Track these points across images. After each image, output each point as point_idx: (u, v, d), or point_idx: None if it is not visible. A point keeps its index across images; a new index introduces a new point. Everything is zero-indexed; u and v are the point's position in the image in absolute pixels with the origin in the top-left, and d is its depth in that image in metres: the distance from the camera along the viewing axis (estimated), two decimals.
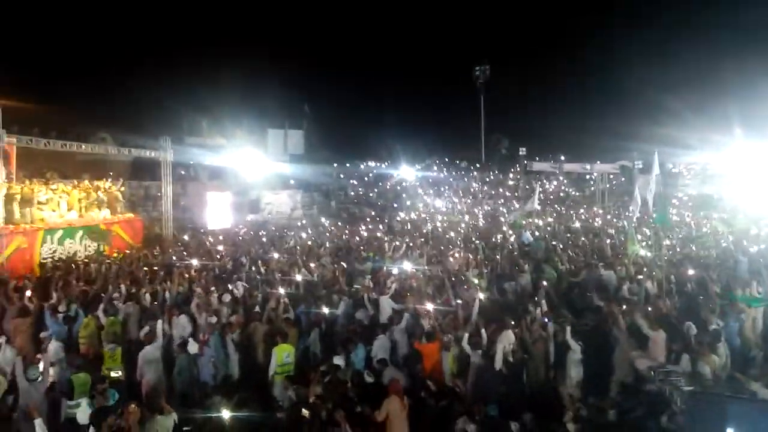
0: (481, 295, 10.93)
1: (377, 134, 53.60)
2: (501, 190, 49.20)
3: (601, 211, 35.13)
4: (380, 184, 52.83)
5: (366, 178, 53.52)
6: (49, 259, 18.58)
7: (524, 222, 24.05)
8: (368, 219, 34.01)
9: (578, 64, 55.97)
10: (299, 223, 33.60)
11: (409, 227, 27.37)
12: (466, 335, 8.93)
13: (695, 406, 5.83)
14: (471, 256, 15.54)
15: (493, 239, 20.47)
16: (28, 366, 7.90)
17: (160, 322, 9.68)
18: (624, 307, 10.09)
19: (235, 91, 43.99)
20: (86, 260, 18.42)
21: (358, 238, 22.80)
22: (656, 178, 14.23)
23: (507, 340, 8.90)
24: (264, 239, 24.05)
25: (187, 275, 13.86)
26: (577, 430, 6.68)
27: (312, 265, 15.27)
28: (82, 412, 7.11)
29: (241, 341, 9.97)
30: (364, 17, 68.97)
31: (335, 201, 48.20)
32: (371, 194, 50.89)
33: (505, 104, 58.39)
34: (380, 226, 28.46)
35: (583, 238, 19.75)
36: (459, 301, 10.76)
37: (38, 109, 27.24)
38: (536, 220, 25.82)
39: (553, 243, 18.62)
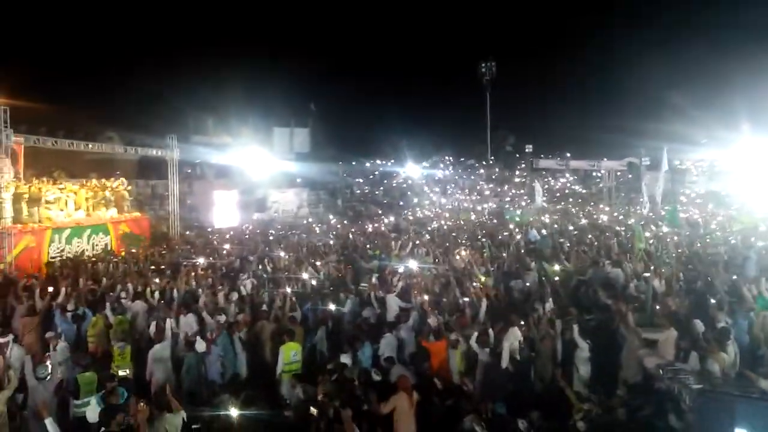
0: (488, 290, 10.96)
1: (383, 132, 53.59)
2: (507, 187, 49.06)
3: (608, 208, 34.99)
4: (386, 182, 52.81)
5: (372, 176, 53.51)
6: (57, 258, 18.69)
7: (518, 217, 24.05)
8: (374, 217, 34.01)
9: (584, 60, 55.73)
10: (305, 222, 33.65)
11: (415, 225, 27.34)
12: (474, 333, 8.93)
13: (704, 404, 5.80)
14: (477, 254, 15.53)
15: (500, 237, 20.43)
16: (37, 365, 7.96)
17: (169, 320, 9.74)
18: (631, 304, 10.05)
19: (240, 90, 44.15)
20: (94, 259, 18.52)
21: (364, 237, 22.81)
22: (665, 174, 14.12)
23: (513, 337, 8.89)
24: (271, 237, 24.09)
25: (194, 274, 13.91)
26: (586, 429, 6.66)
27: (318, 263, 15.30)
28: (92, 411, 7.15)
29: (249, 340, 10.00)
30: (370, 15, 68.95)
31: (341, 199, 48.25)
32: (377, 192, 50.89)
33: (511, 101, 58.37)
34: (386, 224, 28.48)
35: (590, 236, 19.68)
36: (466, 299, 10.74)
37: (46, 109, 27.37)
38: (543, 218, 25.73)
39: (560, 240, 18.59)
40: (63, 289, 11.96)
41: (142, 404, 6.37)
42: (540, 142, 50.77)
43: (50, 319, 10.76)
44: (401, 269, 13.70)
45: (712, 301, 10.17)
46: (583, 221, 26.89)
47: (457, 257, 15.31)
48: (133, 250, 20.16)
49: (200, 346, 9.04)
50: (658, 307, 10.15)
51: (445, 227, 25.00)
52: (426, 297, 10.97)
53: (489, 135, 58.37)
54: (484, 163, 55.85)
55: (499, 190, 48.88)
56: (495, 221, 25.81)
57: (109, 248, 21.36)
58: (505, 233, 21.50)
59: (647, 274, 11.84)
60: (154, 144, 27.64)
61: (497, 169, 53.75)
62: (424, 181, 51.68)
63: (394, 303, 11.21)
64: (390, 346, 9.35)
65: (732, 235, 19.64)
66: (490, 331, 9.07)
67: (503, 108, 59.08)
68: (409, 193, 49.46)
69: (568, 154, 48.80)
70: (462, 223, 27.82)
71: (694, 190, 41.45)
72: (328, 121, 53.79)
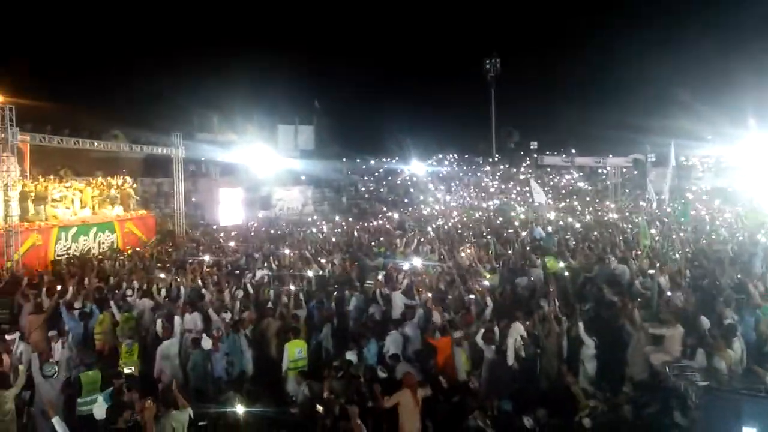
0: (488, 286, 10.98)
1: (387, 129, 53.50)
2: (512, 184, 49.00)
3: (613, 205, 34.90)
4: (390, 179, 52.80)
5: (376, 174, 53.50)
6: (64, 256, 18.78)
7: (515, 214, 23.98)
8: (379, 214, 34.02)
9: (589, 57, 55.53)
10: (310, 219, 33.69)
11: (420, 222, 27.32)
12: (480, 330, 8.93)
13: (711, 402, 5.77)
14: (483, 252, 15.51)
15: (504, 234, 20.40)
16: (44, 362, 8.01)
17: (178, 317, 9.79)
18: (638, 301, 10.02)
19: (245, 87, 44.17)
20: (100, 257, 18.61)
21: (368, 234, 22.82)
22: (672, 170, 14.04)
23: (516, 332, 8.88)
24: (275, 234, 24.14)
25: (199, 271, 13.95)
26: (592, 426, 6.65)
27: (323, 260, 15.32)
28: (99, 408, 7.18)
29: (255, 337, 10.03)
30: (374, 12, 68.86)
31: (346, 197, 48.29)
32: (382, 189, 50.89)
33: (516, 98, 58.13)
34: (391, 222, 28.49)
35: (595, 233, 19.63)
36: (472, 296, 10.73)
37: (51, 108, 27.44)
38: (548, 215, 25.67)
39: (566, 238, 18.54)
40: (70, 287, 12.02)
41: (149, 401, 6.40)
42: (545, 139, 50.72)
43: (57, 316, 10.81)
44: (406, 266, 13.70)
45: (720, 298, 10.13)
46: (588, 218, 26.85)
47: (462, 254, 15.29)
48: (138, 249, 20.24)
49: (206, 343, 9.08)
50: (663, 304, 10.11)
51: (450, 224, 24.96)
52: (430, 294, 10.97)
53: (494, 132, 58.31)
54: (489, 160, 55.77)
55: (503, 187, 48.81)
56: (500, 219, 25.74)
57: (115, 246, 21.46)
58: (510, 230, 21.47)
59: (652, 271, 11.80)
60: (159, 142, 27.71)
61: (502, 167, 53.68)
62: (429, 178, 51.64)
63: (399, 300, 11.20)
64: (395, 343, 9.35)
65: (738, 231, 19.56)
66: (496, 328, 9.07)
67: (508, 105, 58.99)
68: (413, 190, 49.43)
69: (574, 151, 48.72)
70: (467, 220, 27.79)
71: (701, 186, 41.30)
72: (333, 118, 53.87)
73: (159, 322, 10.00)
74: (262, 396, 7.59)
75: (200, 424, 6.95)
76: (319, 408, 6.99)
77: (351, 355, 8.84)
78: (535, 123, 55.83)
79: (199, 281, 13.00)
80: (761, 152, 32.31)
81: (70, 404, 7.69)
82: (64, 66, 40.59)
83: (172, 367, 9.00)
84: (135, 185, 25.63)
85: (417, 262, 14.06)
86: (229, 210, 34.25)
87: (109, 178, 24.38)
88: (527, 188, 45.40)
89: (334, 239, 21.26)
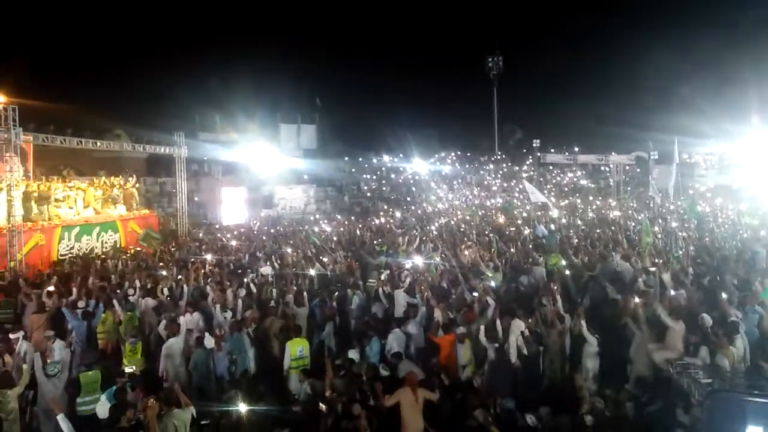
0: (494, 285, 10.95)
1: (390, 127, 53.49)
2: (514, 182, 48.94)
3: (614, 203, 34.82)
4: (393, 177, 52.76)
5: (379, 172, 53.46)
6: (67, 256, 18.83)
7: (518, 212, 23.93)
8: (381, 213, 34.00)
9: (591, 54, 55.45)
10: (312, 218, 33.70)
11: (422, 220, 27.30)
12: (482, 328, 8.92)
13: (714, 400, 5.74)
14: (485, 250, 15.49)
15: (507, 232, 20.37)
16: (47, 362, 8.02)
17: (182, 316, 9.84)
18: (641, 299, 9.99)
19: (247, 86, 44.16)
20: (103, 256, 18.65)
21: (371, 232, 22.82)
22: (677, 167, 14.00)
23: (517, 328, 8.88)
24: (278, 233, 24.15)
25: (203, 270, 13.97)
26: (594, 423, 6.64)
27: (325, 259, 15.32)
28: (102, 407, 7.19)
29: (257, 336, 10.03)
30: (376, 10, 68.79)
31: (348, 195, 48.26)
32: (384, 188, 50.86)
33: (519, 95, 58.12)
34: (393, 220, 28.46)
35: (598, 230, 19.59)
36: (475, 294, 10.72)
37: (54, 108, 27.51)
38: (551, 213, 25.62)
39: (568, 235, 18.51)
40: (73, 288, 12.06)
41: (152, 400, 6.41)
42: (548, 137, 50.55)
43: (60, 316, 10.83)
44: (408, 265, 13.69)
45: (723, 295, 10.10)
46: (591, 215, 26.79)
47: (466, 252, 15.28)
48: (146, 247, 20.26)
49: (209, 342, 9.09)
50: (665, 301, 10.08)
51: (453, 223, 24.94)
52: (433, 292, 10.97)
53: (496, 130, 58.24)
54: (491, 158, 55.69)
55: (506, 185, 48.74)
56: (503, 218, 25.71)
57: (118, 245, 21.50)
58: (512, 228, 21.44)
59: (653, 269, 11.80)
60: (162, 141, 27.76)
61: (505, 165, 53.59)
62: (431, 176, 51.59)
63: (402, 298, 11.20)
64: (398, 341, 9.34)
65: (742, 228, 19.52)
66: (498, 326, 9.06)
67: (510, 102, 58.99)
68: (415, 188, 49.40)
69: (576, 149, 48.61)
70: (470, 218, 27.77)
71: (704, 183, 41.17)
72: (335, 117, 53.83)
73: (162, 324, 10.01)
74: (264, 395, 7.59)
75: (203, 422, 6.96)
76: (322, 406, 6.99)
77: (353, 354, 8.84)
78: (538, 120, 55.75)
79: (202, 280, 13.02)
80: (764, 149, 32.20)
81: (71, 404, 7.71)
82: (67, 66, 40.76)
83: (176, 366, 9.02)
84: (138, 185, 25.68)
85: (419, 260, 14.05)
86: (232, 209, 34.28)
87: (112, 177, 24.43)
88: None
89: (336, 238, 21.25)
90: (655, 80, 47.84)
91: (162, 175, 35.72)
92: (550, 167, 50.22)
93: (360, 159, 53.80)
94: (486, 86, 58.17)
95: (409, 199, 46.29)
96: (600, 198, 39.49)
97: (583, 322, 8.79)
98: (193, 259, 15.76)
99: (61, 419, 6.36)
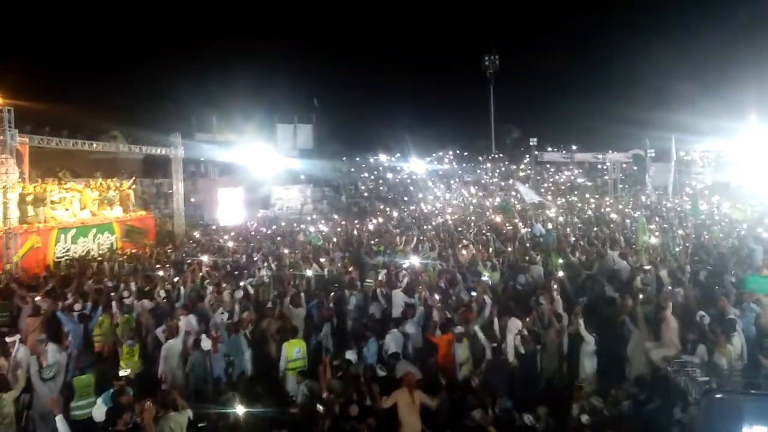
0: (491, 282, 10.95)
1: (387, 127, 53.59)
2: (512, 181, 48.97)
3: (611, 201, 34.85)
4: (390, 177, 52.75)
5: (376, 172, 53.44)
6: (63, 258, 18.77)
7: (514, 210, 23.93)
8: (378, 213, 33.98)
9: (588, 52, 55.56)
10: (309, 218, 33.66)
11: (419, 220, 27.28)
12: (478, 327, 8.91)
13: (712, 399, 5.74)
14: (483, 249, 15.47)
15: (504, 231, 20.36)
16: (43, 365, 7.98)
17: (182, 318, 9.79)
18: (638, 297, 9.98)
19: (243, 87, 44.21)
20: (100, 258, 18.59)
21: (368, 232, 22.78)
22: (674, 165, 14.01)
23: (514, 327, 8.87)
24: (276, 234, 24.09)
25: (200, 272, 13.93)
26: (592, 422, 6.63)
27: (322, 260, 15.28)
28: (98, 410, 7.16)
29: (255, 338, 10.00)
30: (373, 11, 68.78)
31: (345, 195, 48.23)
32: (381, 188, 50.84)
33: (515, 94, 58.18)
34: (391, 220, 28.44)
35: (595, 229, 19.59)
36: (473, 294, 10.71)
37: (50, 109, 27.42)
38: (548, 212, 25.64)
39: (565, 234, 18.50)
40: (69, 291, 12.01)
41: (148, 403, 6.38)
42: (545, 135, 50.61)
43: (54, 319, 10.77)
44: (406, 265, 13.67)
45: (720, 293, 10.10)
46: (588, 213, 26.79)
47: (463, 252, 15.26)
48: (133, 247, 20.22)
49: (206, 344, 9.06)
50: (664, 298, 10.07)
51: (450, 222, 24.91)
52: (431, 292, 10.94)
53: (493, 129, 58.27)
54: (488, 156, 55.72)
55: (503, 184, 48.75)
56: (500, 218, 25.72)
57: (114, 247, 21.44)
58: (509, 227, 21.43)
59: (648, 267, 11.81)
60: (158, 142, 27.65)
61: (502, 164, 53.62)
62: (429, 176, 51.59)
63: (399, 299, 11.18)
64: (396, 341, 9.32)
65: (739, 225, 19.54)
66: (496, 325, 9.04)
67: (507, 101, 59.06)
68: (412, 188, 49.39)
69: (573, 147, 48.66)
70: (466, 217, 27.75)
71: (701, 181, 41.24)
72: (332, 116, 53.88)
73: (160, 328, 9.96)
74: (261, 396, 7.57)
75: (200, 425, 6.93)
76: (320, 408, 6.97)
77: (351, 355, 8.81)
78: (535, 119, 55.86)
79: (199, 282, 12.98)
80: (761, 146, 32.24)
81: (65, 409, 7.67)
82: (63, 67, 40.74)
83: (173, 368, 8.98)
84: (134, 186, 25.60)
85: (416, 260, 14.02)
86: (229, 210, 34.24)
87: (108, 179, 24.35)
88: (527, 184, 45.47)
89: (333, 238, 21.21)
90: (651, 78, 48.03)
91: (158, 176, 35.63)
92: (547, 166, 50.27)
93: (357, 159, 53.80)
94: (483, 85, 58.27)
95: (406, 198, 46.27)
96: (597, 196, 39.54)
97: (581, 321, 8.78)
98: (190, 261, 15.71)
99: (59, 420, 6.35)
